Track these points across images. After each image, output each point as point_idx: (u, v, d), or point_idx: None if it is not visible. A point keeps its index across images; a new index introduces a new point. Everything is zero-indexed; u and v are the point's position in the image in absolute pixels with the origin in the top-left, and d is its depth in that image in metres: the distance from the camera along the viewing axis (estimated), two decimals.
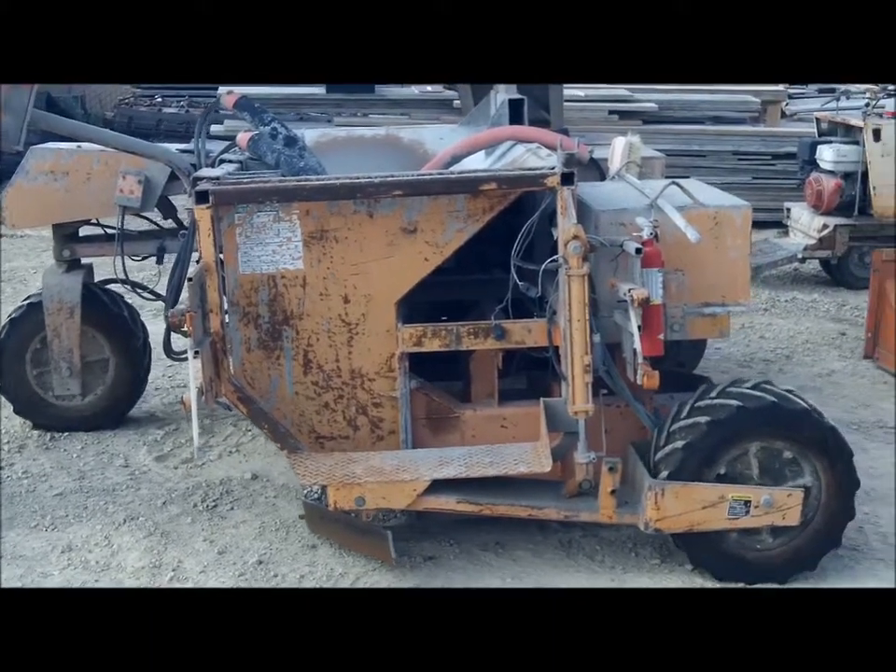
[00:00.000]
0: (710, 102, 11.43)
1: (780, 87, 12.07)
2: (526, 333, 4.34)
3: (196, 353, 4.07)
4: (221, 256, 4.26)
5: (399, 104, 11.42)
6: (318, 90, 11.59)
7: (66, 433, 5.72)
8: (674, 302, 4.31)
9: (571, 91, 11.09)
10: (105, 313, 5.63)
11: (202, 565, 4.41)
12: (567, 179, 4.09)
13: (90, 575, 4.36)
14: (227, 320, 4.30)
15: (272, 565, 4.40)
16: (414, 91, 12.12)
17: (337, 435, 4.44)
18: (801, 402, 4.15)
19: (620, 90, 11.52)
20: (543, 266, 4.15)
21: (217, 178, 4.30)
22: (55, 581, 4.32)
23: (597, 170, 5.09)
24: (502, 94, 5.29)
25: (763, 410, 4.09)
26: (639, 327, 4.01)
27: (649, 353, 4.05)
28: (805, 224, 8.93)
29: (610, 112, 11.11)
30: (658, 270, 4.07)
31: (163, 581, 4.30)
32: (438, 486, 4.21)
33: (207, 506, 4.93)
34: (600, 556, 4.46)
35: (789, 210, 9.27)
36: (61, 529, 4.74)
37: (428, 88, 12.05)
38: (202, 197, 4.11)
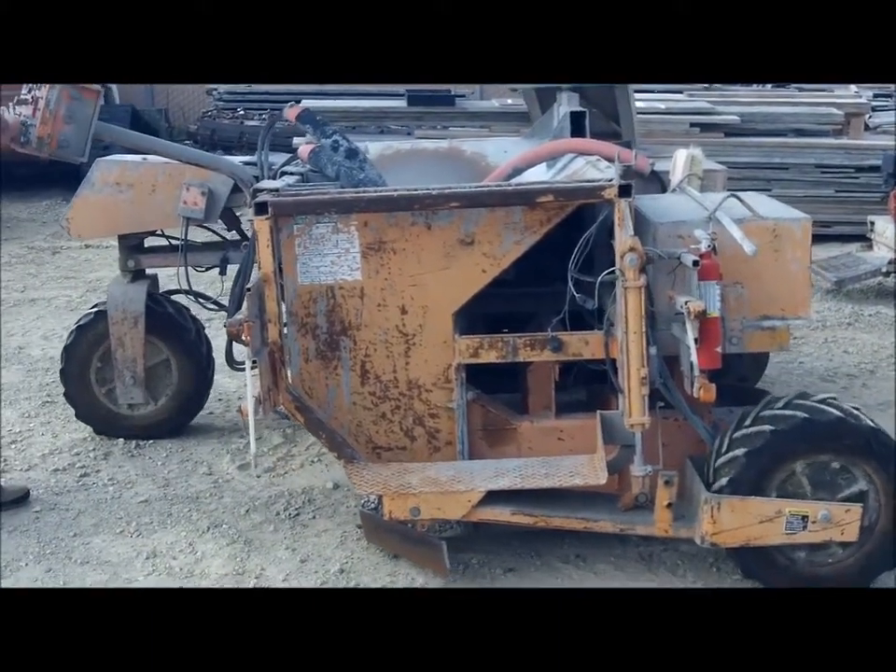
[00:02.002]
0: (792, 114, 11.24)
1: (863, 99, 11.84)
2: (583, 345, 4.33)
3: (254, 363, 4.13)
4: (280, 266, 4.32)
5: (478, 116, 11.43)
6: (399, 103, 11.67)
7: (150, 441, 5.79)
8: (733, 315, 4.26)
9: (651, 103, 11.02)
10: (150, 314, 5.59)
11: (284, 573, 4.45)
12: (624, 191, 4.08)
13: (174, 581, 4.41)
14: (285, 330, 4.35)
15: (353, 574, 4.42)
16: (495, 104, 12.14)
17: (394, 445, 4.46)
18: (834, 411, 4.05)
19: (701, 102, 11.41)
20: (600, 278, 4.14)
21: (277, 190, 4.35)
22: (140, 586, 4.38)
23: (658, 182, 5.05)
24: (564, 107, 5.29)
25: (797, 428, 4.02)
26: (696, 339, 3.96)
27: (706, 366, 4.00)
28: (890, 237, 8.73)
29: (692, 125, 10.98)
30: (715, 282, 4.02)
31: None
32: (493, 497, 4.21)
33: (290, 514, 4.97)
34: (681, 570, 4.41)
35: (872, 223, 9.08)
36: (146, 536, 4.81)
37: (509, 101, 12.06)
38: (261, 208, 4.18)
